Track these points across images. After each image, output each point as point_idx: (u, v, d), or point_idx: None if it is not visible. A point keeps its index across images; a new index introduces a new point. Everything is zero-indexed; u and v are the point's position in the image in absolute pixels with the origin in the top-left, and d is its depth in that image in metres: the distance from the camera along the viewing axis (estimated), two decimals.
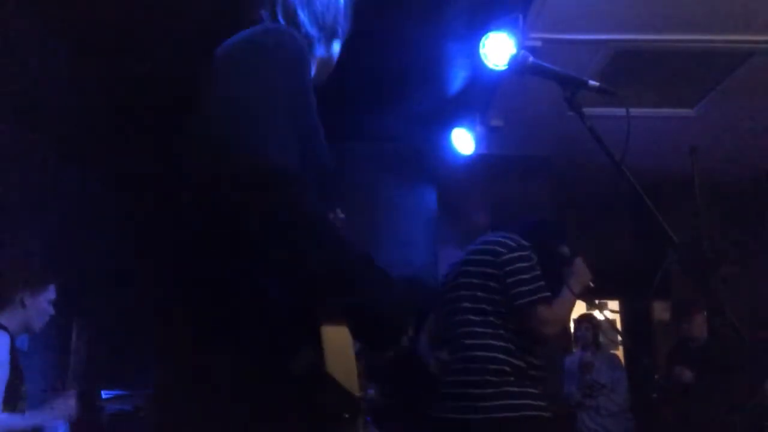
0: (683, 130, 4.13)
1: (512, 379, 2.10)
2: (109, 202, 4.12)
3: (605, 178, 2.61)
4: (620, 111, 1.47)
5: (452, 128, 4.24)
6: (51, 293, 2.58)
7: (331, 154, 1.15)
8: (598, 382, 4.29)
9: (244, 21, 1.15)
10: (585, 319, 4.66)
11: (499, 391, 2.08)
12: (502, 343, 2.15)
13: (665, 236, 1.37)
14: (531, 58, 1.51)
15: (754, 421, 3.66)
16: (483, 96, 3.96)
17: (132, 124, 3.80)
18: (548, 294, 2.16)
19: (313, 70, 1.25)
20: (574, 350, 4.82)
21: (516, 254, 2.19)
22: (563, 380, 4.47)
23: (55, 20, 3.12)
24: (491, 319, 2.18)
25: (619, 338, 5.46)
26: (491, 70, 3.18)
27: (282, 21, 1.19)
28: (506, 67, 3.06)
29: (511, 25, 3.03)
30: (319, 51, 1.25)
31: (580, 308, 5.10)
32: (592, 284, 2.31)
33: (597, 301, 5.69)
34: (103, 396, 3.10)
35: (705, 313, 3.92)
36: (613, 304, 5.88)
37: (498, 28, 3.06)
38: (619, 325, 5.79)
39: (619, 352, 5.37)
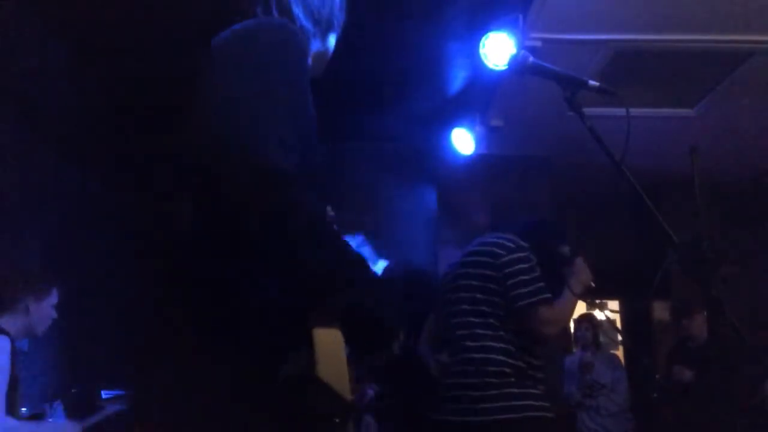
0: (683, 130, 4.13)
1: (513, 380, 2.10)
2: (109, 202, 4.11)
3: (605, 178, 2.61)
4: (620, 111, 1.47)
5: (452, 128, 4.24)
6: (54, 297, 2.58)
7: (324, 152, 1.14)
8: (598, 382, 4.29)
9: (238, 17, 1.14)
10: (585, 319, 4.66)
11: (501, 392, 2.08)
12: (502, 345, 2.14)
13: (665, 236, 1.37)
14: (531, 58, 1.51)
15: (755, 421, 3.66)
16: (483, 96, 3.96)
17: (132, 124, 3.80)
18: (549, 295, 2.15)
19: (309, 64, 1.23)
20: (574, 350, 4.82)
21: (515, 256, 2.18)
22: (563, 380, 4.47)
23: (55, 20, 3.12)
24: (491, 320, 2.17)
25: (619, 338, 5.46)
26: (491, 70, 3.18)
27: (276, 15, 1.18)
28: (506, 67, 3.06)
29: (511, 25, 3.03)
30: (315, 45, 1.24)
31: (580, 308, 5.10)
32: (593, 284, 2.31)
33: (597, 301, 5.69)
34: (103, 396, 3.10)
35: (704, 313, 3.92)
36: (613, 304, 5.88)
37: (498, 28, 3.06)
38: (619, 325, 5.80)
39: (619, 352, 5.37)
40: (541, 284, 2.15)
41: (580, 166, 4.36)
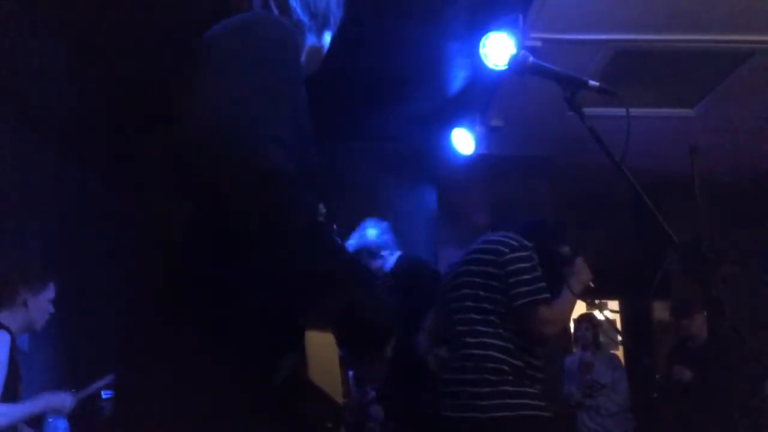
0: (683, 130, 4.13)
1: (511, 378, 2.10)
2: (109, 201, 4.11)
3: (605, 178, 2.61)
4: (620, 111, 1.47)
5: (452, 128, 4.24)
6: (51, 292, 2.59)
7: (321, 151, 1.12)
8: (598, 382, 4.29)
9: (237, 14, 1.11)
10: (585, 319, 4.66)
11: (497, 390, 2.08)
12: (501, 343, 2.15)
13: (665, 236, 1.37)
14: (531, 58, 1.51)
15: (755, 421, 3.66)
16: (483, 96, 3.96)
17: (132, 123, 3.80)
18: (548, 295, 2.16)
19: (303, 59, 1.21)
20: (574, 350, 4.82)
21: (518, 254, 2.19)
22: (563, 380, 4.47)
23: (55, 20, 3.12)
24: (492, 318, 2.18)
25: (619, 338, 5.46)
26: (491, 70, 3.18)
27: (274, 8, 1.16)
28: (506, 67, 3.07)
29: (511, 25, 3.03)
30: (310, 39, 1.21)
31: (580, 308, 5.10)
32: (592, 284, 2.31)
33: (597, 301, 5.69)
34: (103, 396, 3.10)
35: (704, 313, 3.92)
36: (613, 304, 5.88)
37: (498, 28, 3.06)
38: (619, 325, 5.80)
39: (619, 352, 5.38)
40: (542, 284, 2.16)
41: (580, 166, 4.36)
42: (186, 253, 0.98)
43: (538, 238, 2.29)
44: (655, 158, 4.36)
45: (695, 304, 3.92)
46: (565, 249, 2.37)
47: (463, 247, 2.47)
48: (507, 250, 2.20)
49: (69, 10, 3.03)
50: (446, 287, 2.39)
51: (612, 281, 5.21)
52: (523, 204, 4.47)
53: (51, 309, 2.60)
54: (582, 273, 2.28)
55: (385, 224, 3.29)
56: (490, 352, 2.14)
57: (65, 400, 2.52)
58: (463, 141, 4.23)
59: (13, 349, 2.42)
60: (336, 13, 1.26)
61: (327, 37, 1.26)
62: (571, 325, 4.91)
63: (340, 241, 1.04)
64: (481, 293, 2.21)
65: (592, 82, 1.47)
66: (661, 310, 5.15)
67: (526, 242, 2.24)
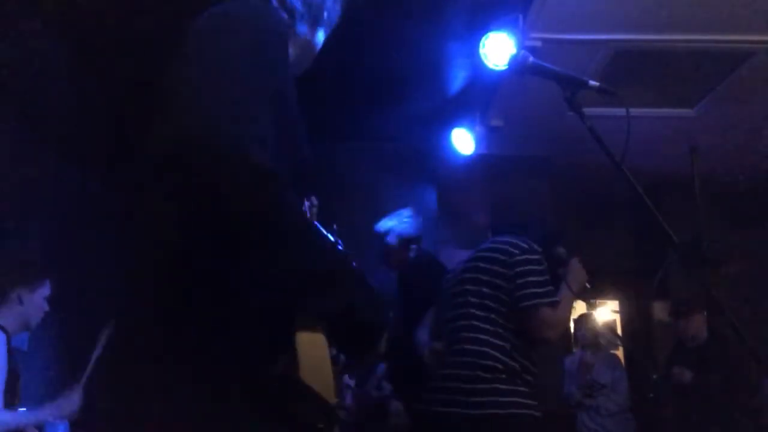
0: (683, 130, 4.13)
1: (503, 377, 2.10)
2: (109, 201, 4.11)
3: (605, 178, 2.61)
4: (620, 111, 1.47)
5: (452, 128, 4.24)
6: (46, 289, 2.59)
7: (314, 146, 1.09)
8: (598, 382, 4.29)
9: None
10: (585, 319, 4.66)
11: (489, 387, 2.08)
12: (499, 342, 2.15)
13: (665, 236, 1.37)
14: (531, 58, 1.51)
15: (754, 421, 3.66)
16: (483, 96, 3.96)
17: (132, 123, 3.80)
18: (556, 299, 2.16)
19: (293, 50, 1.17)
20: (574, 350, 4.82)
21: (528, 256, 2.19)
22: (563, 380, 4.47)
23: (55, 20, 3.12)
24: (493, 316, 2.18)
25: (619, 338, 5.46)
26: (491, 70, 3.18)
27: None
28: (506, 67, 3.07)
29: (511, 25, 3.03)
30: (302, 28, 1.18)
31: (579, 308, 5.10)
32: (588, 285, 2.32)
33: (596, 301, 5.70)
34: None
35: (704, 313, 3.92)
36: (613, 304, 5.88)
37: (498, 28, 3.06)
38: (619, 325, 5.79)
39: (619, 352, 5.37)
40: (551, 288, 2.16)
41: (580, 166, 4.36)
42: (170, 253, 0.94)
43: (533, 239, 2.30)
44: (655, 158, 4.36)
45: (695, 304, 3.92)
46: (561, 250, 2.37)
47: (463, 247, 2.47)
48: (517, 252, 2.21)
49: (69, 10, 3.03)
50: (450, 283, 2.39)
51: (612, 281, 5.25)
52: (523, 204, 4.46)
53: (46, 307, 2.59)
54: (578, 273, 2.29)
55: (409, 210, 3.31)
56: (486, 350, 2.14)
57: (73, 400, 2.49)
58: (463, 141, 4.23)
59: (10, 348, 2.41)
60: (332, 9, 1.22)
61: (320, 35, 1.23)
62: (571, 325, 4.91)
63: (329, 238, 1.02)
64: (485, 290, 2.22)
65: (592, 82, 1.47)
66: (660, 310, 5.15)
67: (536, 246, 2.24)
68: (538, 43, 3.13)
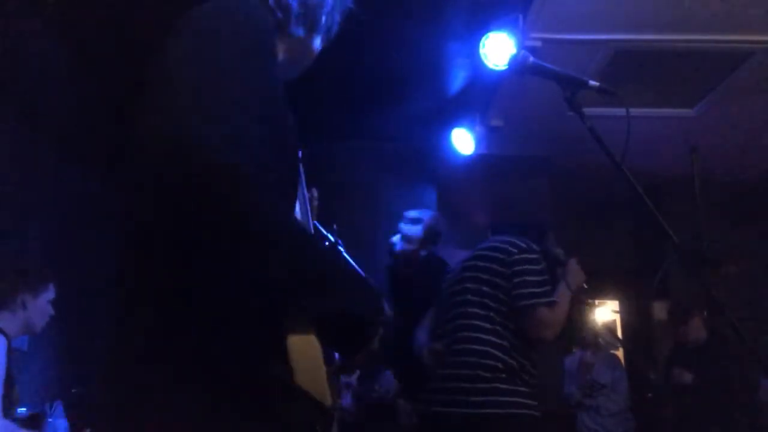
0: (683, 130, 4.13)
1: (504, 376, 2.10)
2: (109, 201, 4.11)
3: (605, 178, 2.61)
4: (620, 111, 1.47)
5: (452, 128, 4.24)
6: (51, 293, 2.59)
7: (296, 138, 1.07)
8: (598, 382, 4.29)
9: None
10: (585, 320, 4.66)
11: (490, 387, 2.08)
12: (499, 341, 2.15)
13: (665, 236, 1.37)
14: (531, 58, 1.51)
15: (754, 421, 3.66)
16: (483, 96, 3.96)
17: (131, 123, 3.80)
18: (553, 299, 2.16)
19: (285, 49, 1.15)
20: (574, 350, 4.82)
21: (526, 255, 2.20)
22: (563, 380, 4.47)
23: (55, 20, 3.12)
24: (493, 315, 2.18)
25: (618, 339, 5.46)
26: (491, 70, 3.18)
27: None
28: (506, 67, 3.07)
29: (511, 25, 3.03)
30: (298, 29, 1.15)
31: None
32: (585, 285, 2.32)
33: (596, 301, 5.70)
34: None
35: (703, 314, 3.92)
36: (613, 304, 5.88)
37: (498, 28, 3.06)
38: (619, 325, 5.80)
39: (619, 352, 5.37)
40: (548, 288, 2.17)
41: (580, 166, 4.36)
42: (141, 259, 0.93)
43: (532, 240, 2.30)
44: (655, 158, 4.36)
45: (693, 306, 3.92)
46: (559, 251, 2.38)
47: (463, 247, 2.47)
48: (516, 251, 2.21)
49: (69, 10, 3.02)
50: (449, 283, 2.40)
51: (611, 281, 5.25)
52: (523, 204, 4.47)
53: (51, 311, 2.59)
54: (576, 273, 2.29)
55: (428, 212, 3.27)
56: (487, 349, 2.14)
57: None
58: (463, 141, 4.23)
59: (9, 353, 2.41)
60: (331, 16, 1.20)
61: (317, 41, 1.21)
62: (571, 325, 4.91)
63: (314, 235, 1.01)
64: (485, 289, 2.22)
65: (592, 82, 1.47)
66: (660, 311, 5.15)
67: (534, 246, 2.24)
68: (538, 43, 3.13)
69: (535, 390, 2.16)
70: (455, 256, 2.48)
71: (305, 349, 0.89)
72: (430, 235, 3.10)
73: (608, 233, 5.33)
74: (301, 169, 1.36)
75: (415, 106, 4.08)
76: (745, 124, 4.11)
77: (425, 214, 3.16)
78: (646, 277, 5.09)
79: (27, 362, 3.33)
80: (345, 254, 2.35)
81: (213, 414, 0.86)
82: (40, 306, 2.54)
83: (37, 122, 3.76)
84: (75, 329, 3.61)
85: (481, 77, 3.67)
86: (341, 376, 3.04)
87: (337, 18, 1.23)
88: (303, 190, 1.33)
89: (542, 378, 2.24)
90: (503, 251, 2.24)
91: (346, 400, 3.14)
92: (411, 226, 3.11)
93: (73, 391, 3.33)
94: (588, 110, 1.46)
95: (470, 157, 4.26)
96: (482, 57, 3.13)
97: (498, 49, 3.09)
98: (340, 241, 2.34)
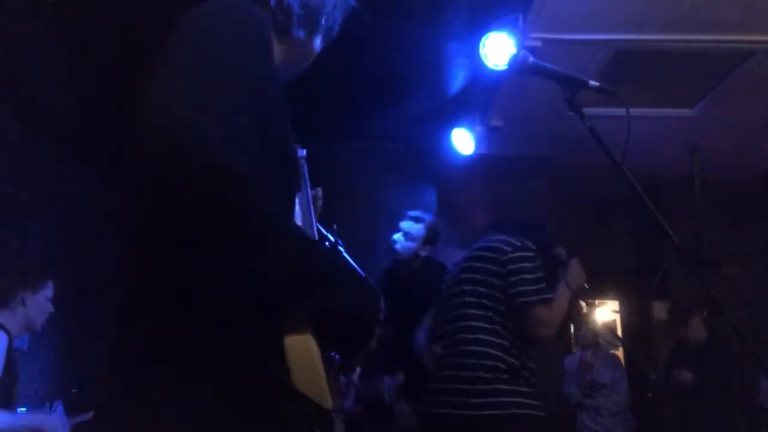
0: (683, 130, 4.13)
1: (505, 377, 2.10)
2: (109, 201, 4.12)
3: (605, 178, 2.61)
4: (620, 111, 1.47)
5: (452, 128, 4.24)
6: (49, 290, 2.59)
7: (294, 137, 1.06)
8: (598, 382, 4.29)
9: None
10: (585, 320, 4.66)
11: (491, 388, 2.08)
12: (498, 341, 2.15)
13: (665, 236, 1.37)
14: (531, 58, 1.51)
15: (754, 421, 3.66)
16: (483, 96, 3.96)
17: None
18: (550, 296, 2.16)
19: (284, 50, 1.15)
20: (574, 350, 4.82)
21: (521, 254, 2.20)
22: (563, 380, 4.47)
23: (55, 20, 3.12)
24: (491, 315, 2.18)
25: (619, 339, 5.46)
26: (491, 70, 3.18)
27: None
28: (506, 67, 3.07)
29: (511, 25, 3.03)
30: (299, 32, 1.15)
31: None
32: (586, 285, 2.32)
33: (596, 301, 5.70)
34: None
35: (703, 314, 3.92)
36: (613, 304, 5.88)
37: (498, 28, 3.06)
38: (619, 325, 5.80)
39: (619, 352, 5.38)
40: (544, 285, 2.16)
41: (580, 166, 4.36)
42: (137, 259, 0.93)
43: (533, 241, 2.30)
44: (655, 158, 4.36)
45: (693, 306, 3.92)
46: (560, 251, 2.38)
47: (463, 247, 2.47)
48: (510, 249, 2.21)
49: (69, 10, 3.02)
50: (448, 284, 2.39)
51: (612, 281, 5.25)
52: (523, 204, 4.47)
53: (50, 308, 2.59)
54: (577, 273, 2.29)
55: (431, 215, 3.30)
56: (487, 349, 2.14)
57: (61, 422, 2.50)
58: (463, 141, 4.23)
59: (11, 350, 2.41)
60: (331, 16, 1.20)
61: (318, 42, 1.21)
62: (571, 325, 4.92)
63: (311, 234, 1.00)
64: (481, 290, 2.22)
65: (592, 82, 1.47)
66: (660, 311, 5.15)
67: (530, 244, 2.24)
68: (538, 43, 3.13)
69: (537, 389, 2.16)
70: (455, 256, 2.48)
71: (303, 350, 0.88)
72: (431, 235, 3.14)
73: (608, 233, 5.33)
74: (306, 169, 1.36)
75: (415, 106, 4.08)
76: (745, 124, 4.11)
77: (426, 215, 3.18)
78: (646, 277, 5.10)
79: (27, 362, 3.32)
80: (345, 254, 2.35)
81: (212, 414, 0.85)
82: (40, 303, 2.54)
83: (37, 122, 3.76)
84: (75, 329, 3.62)
85: (481, 77, 3.67)
86: (343, 375, 3.04)
87: (339, 18, 1.23)
88: (307, 190, 1.33)
89: (542, 378, 2.23)
90: (498, 251, 2.23)
91: (350, 399, 3.14)
92: (413, 224, 3.13)
93: (73, 391, 3.34)
94: (588, 110, 1.46)
95: (470, 157, 4.26)
96: (482, 57, 3.14)
97: (498, 49, 3.09)
98: (340, 241, 2.34)
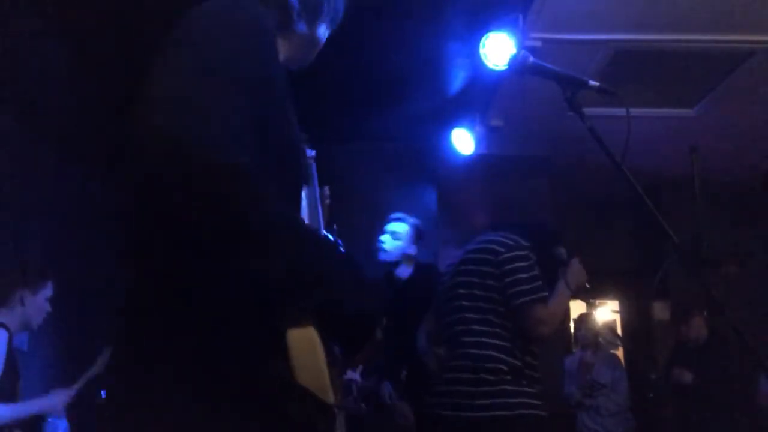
0: (683, 130, 4.13)
1: (509, 377, 2.10)
2: (109, 201, 4.12)
3: (605, 178, 2.61)
4: (620, 111, 1.47)
5: (452, 128, 4.24)
6: (48, 290, 2.59)
7: (299, 135, 1.06)
8: (598, 382, 4.29)
9: None
10: (585, 319, 4.66)
11: (496, 389, 2.08)
12: (499, 342, 2.15)
13: (665, 236, 1.37)
14: (531, 58, 1.51)
15: (753, 421, 3.66)
16: (483, 96, 3.96)
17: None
18: (546, 294, 2.16)
19: (287, 46, 1.15)
20: (574, 350, 4.82)
21: (514, 253, 2.19)
22: (563, 380, 4.47)
23: (55, 20, 3.12)
24: (489, 317, 2.18)
25: (619, 338, 5.46)
26: (491, 70, 3.18)
27: None
28: (506, 67, 3.07)
29: (511, 25, 3.03)
30: (300, 26, 1.15)
31: (580, 308, 5.11)
32: (587, 285, 2.31)
33: (596, 301, 5.70)
34: (103, 396, 3.11)
35: (704, 314, 3.93)
36: (613, 304, 5.88)
37: (498, 28, 3.06)
38: (619, 325, 5.80)
39: (619, 352, 5.38)
40: (539, 283, 2.16)
41: (580, 166, 4.36)
42: (137, 258, 0.93)
43: (534, 240, 2.29)
44: (655, 158, 4.36)
45: (694, 306, 3.93)
46: (561, 250, 2.37)
47: (463, 247, 2.47)
48: (503, 250, 2.20)
49: (69, 10, 3.02)
50: (444, 287, 2.39)
51: (612, 281, 5.25)
52: (523, 204, 4.47)
53: (48, 308, 2.60)
54: (578, 272, 2.29)
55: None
56: (488, 352, 2.14)
57: (59, 398, 2.52)
58: (463, 141, 4.23)
59: (11, 347, 2.42)
60: (335, 6, 1.20)
61: (322, 30, 1.20)
62: (571, 325, 4.92)
63: (314, 231, 1.00)
64: (477, 292, 2.21)
65: (592, 82, 1.47)
66: (660, 310, 5.16)
67: (522, 241, 2.23)
68: (538, 43, 3.13)
69: (540, 389, 2.16)
70: (455, 256, 2.48)
71: (306, 346, 0.88)
72: (417, 233, 3.24)
73: (608, 233, 5.33)
74: (314, 168, 1.36)
75: (415, 106, 4.08)
76: (745, 124, 4.11)
77: (409, 216, 3.28)
78: (646, 277, 5.09)
79: (27, 362, 3.33)
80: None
81: (213, 414, 0.85)
82: (39, 303, 2.55)
83: (37, 122, 3.76)
84: (75, 329, 3.62)
85: (481, 77, 3.67)
86: (345, 371, 3.04)
87: (341, 4, 1.22)
88: (315, 189, 1.33)
89: (542, 378, 2.23)
90: (491, 251, 2.23)
91: (353, 396, 3.14)
92: (397, 224, 3.24)
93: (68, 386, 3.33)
94: (588, 110, 1.46)
95: (470, 157, 4.26)
96: (482, 57, 3.13)
97: (498, 49, 3.09)
98: (340, 241, 2.35)
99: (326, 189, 1.54)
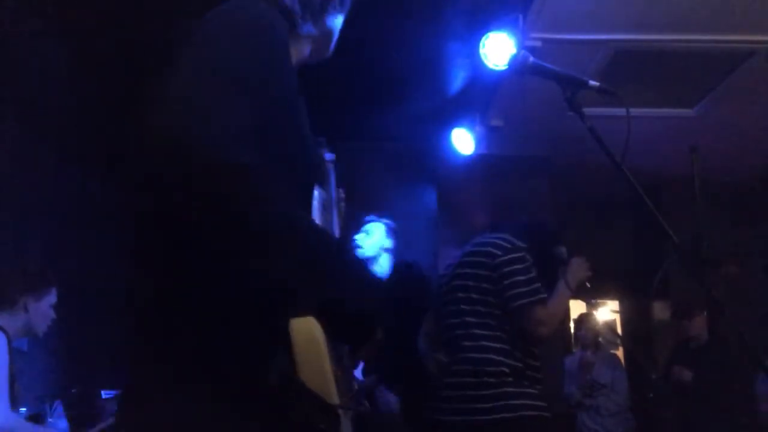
0: (683, 130, 4.13)
1: (510, 379, 2.09)
2: (109, 202, 4.12)
3: (605, 178, 2.61)
4: (620, 111, 1.47)
5: (452, 128, 4.24)
6: (53, 297, 2.58)
7: (315, 144, 1.07)
8: (598, 382, 4.29)
9: None
10: (585, 319, 4.66)
11: (498, 392, 2.08)
12: (499, 345, 2.14)
13: (665, 236, 1.37)
14: (531, 58, 1.51)
15: (753, 421, 3.66)
16: (483, 96, 3.96)
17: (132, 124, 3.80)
18: (544, 295, 2.15)
19: (300, 50, 1.16)
20: (574, 350, 4.82)
21: (511, 256, 2.18)
22: (563, 380, 4.47)
23: (55, 20, 3.12)
24: (488, 320, 2.17)
25: (619, 338, 5.46)
26: (491, 70, 3.18)
27: None
28: (506, 67, 3.07)
29: (511, 25, 3.03)
30: (306, 28, 1.15)
31: (580, 308, 5.11)
32: (588, 284, 2.31)
33: (596, 301, 5.70)
34: (103, 396, 3.11)
35: (704, 314, 3.92)
36: (613, 304, 5.88)
37: (498, 28, 3.06)
38: (619, 325, 5.80)
39: (619, 352, 5.38)
40: (537, 284, 2.15)
41: (580, 166, 4.35)
42: (140, 257, 0.94)
43: (535, 239, 2.29)
44: (655, 158, 4.36)
45: (695, 304, 3.92)
46: (562, 250, 2.36)
47: (462, 247, 2.46)
48: (500, 253, 2.19)
49: (69, 9, 3.02)
50: (442, 290, 2.38)
51: (612, 281, 5.25)
52: (523, 204, 4.47)
53: (53, 315, 2.59)
54: (578, 270, 2.28)
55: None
56: (489, 355, 2.13)
57: None
58: (463, 141, 4.23)
59: (11, 352, 2.41)
60: None
61: (332, 21, 1.20)
62: (571, 325, 4.92)
63: (320, 229, 1.00)
64: (474, 296, 2.21)
65: (592, 82, 1.47)
66: (660, 310, 5.16)
67: (518, 243, 2.22)
68: (538, 43, 3.13)
69: (542, 389, 2.15)
70: (454, 257, 2.48)
71: (310, 345, 0.88)
72: (389, 229, 3.26)
73: (608, 233, 5.32)
74: (331, 170, 1.36)
75: (416, 105, 4.07)
76: (745, 124, 4.11)
77: (379, 218, 3.32)
78: (646, 277, 5.09)
79: (27, 362, 3.32)
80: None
81: (214, 414, 0.85)
82: (43, 310, 2.54)
83: (37, 122, 3.76)
84: (75, 329, 3.61)
85: (481, 77, 3.67)
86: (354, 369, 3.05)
87: None
88: (332, 191, 1.33)
89: (543, 378, 2.23)
90: (487, 255, 2.22)
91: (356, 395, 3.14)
92: (369, 225, 3.26)
93: (72, 391, 3.33)
94: (588, 110, 1.46)
95: (470, 157, 4.26)
96: (482, 57, 3.13)
97: (498, 49, 3.09)
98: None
99: (341, 191, 1.54)
